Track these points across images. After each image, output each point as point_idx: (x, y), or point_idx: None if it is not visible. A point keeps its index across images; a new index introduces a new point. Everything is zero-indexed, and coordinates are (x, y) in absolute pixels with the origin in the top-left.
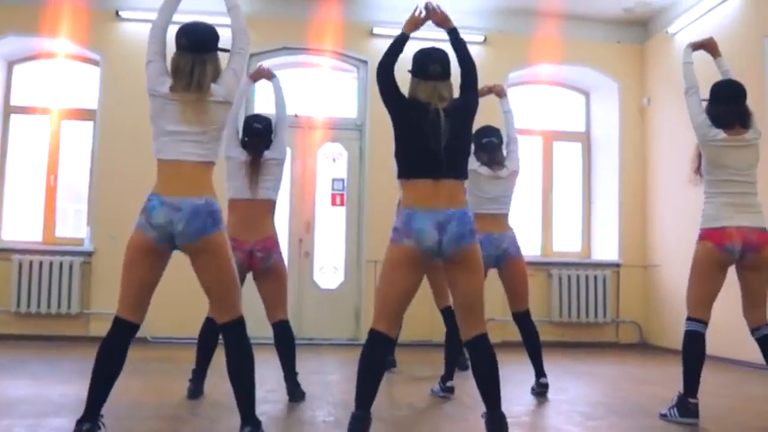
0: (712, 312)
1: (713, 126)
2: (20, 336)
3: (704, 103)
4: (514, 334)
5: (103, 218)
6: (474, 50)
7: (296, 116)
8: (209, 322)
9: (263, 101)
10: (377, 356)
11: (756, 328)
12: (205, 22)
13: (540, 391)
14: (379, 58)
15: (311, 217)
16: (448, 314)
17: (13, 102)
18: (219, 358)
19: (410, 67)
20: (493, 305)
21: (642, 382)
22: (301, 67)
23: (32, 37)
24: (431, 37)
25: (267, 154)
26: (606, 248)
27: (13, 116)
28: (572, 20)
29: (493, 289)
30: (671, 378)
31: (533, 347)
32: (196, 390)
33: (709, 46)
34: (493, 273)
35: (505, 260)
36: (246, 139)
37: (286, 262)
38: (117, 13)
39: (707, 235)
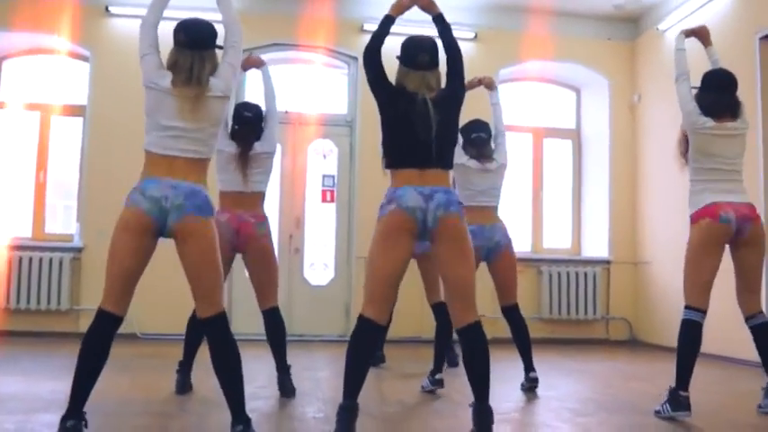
0: None
1: (702, 114)
2: (9, 332)
3: (694, 91)
4: (505, 330)
5: (93, 214)
6: (464, 47)
7: (286, 112)
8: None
9: (252, 93)
10: (365, 344)
11: (751, 315)
12: (203, 19)
13: (531, 385)
14: (370, 38)
15: (301, 213)
16: (438, 310)
17: (2, 97)
18: (206, 352)
19: (397, 54)
20: (483, 301)
21: (632, 379)
22: (292, 63)
23: (22, 33)
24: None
25: (258, 147)
26: (596, 245)
27: (1, 112)
28: (563, 16)
29: (483, 285)
30: (660, 375)
31: (522, 342)
32: (184, 383)
33: (700, 33)
34: (482, 268)
35: (497, 253)
36: (237, 127)
37: (276, 257)
38: (107, 8)
39: (701, 213)
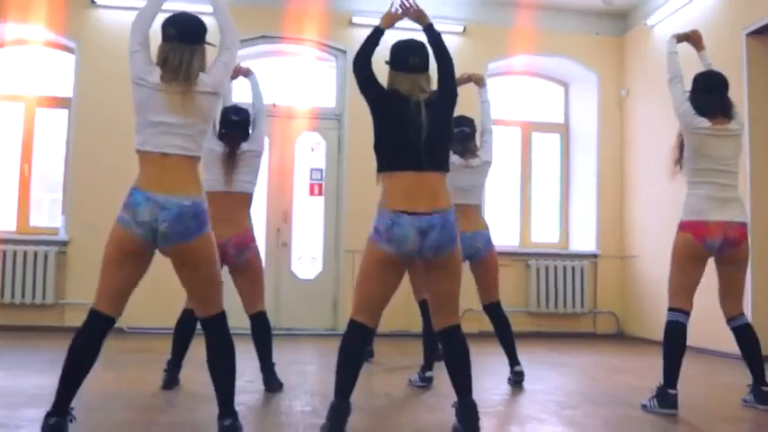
0: None
1: (698, 114)
2: None
3: (686, 94)
4: (490, 324)
5: (79, 207)
6: (453, 41)
7: (274, 105)
8: (186, 313)
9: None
10: (357, 347)
11: (732, 318)
12: (192, 14)
13: (517, 379)
14: (359, 47)
15: (289, 207)
16: (425, 307)
17: None
18: (195, 347)
19: (387, 59)
20: (470, 296)
21: (617, 372)
22: (280, 56)
23: (6, 23)
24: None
25: (245, 146)
26: (584, 239)
27: None
28: (551, 11)
29: (469, 281)
30: (646, 368)
31: (506, 337)
32: (171, 380)
33: (693, 38)
34: (465, 264)
35: (477, 258)
36: (224, 130)
37: (263, 252)
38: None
39: (688, 226)
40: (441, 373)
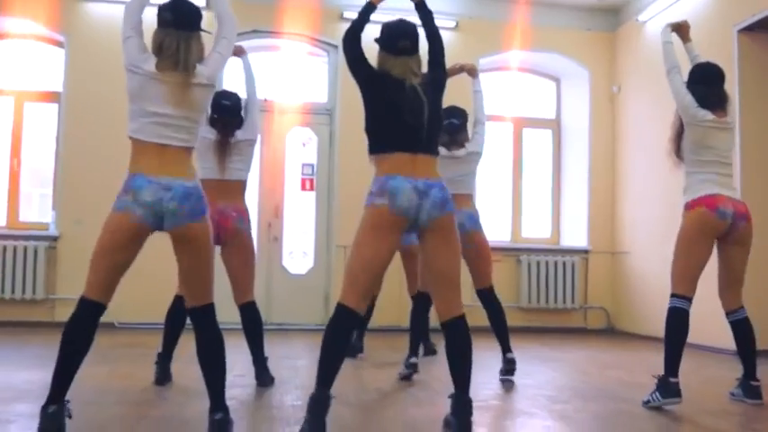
0: None
1: (700, 107)
2: None
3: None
4: (482, 319)
5: (69, 202)
6: (445, 36)
7: (265, 100)
8: (178, 300)
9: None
10: (343, 332)
11: (732, 311)
12: (189, 0)
13: (508, 368)
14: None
15: (280, 202)
16: (418, 299)
17: None
18: (185, 342)
19: (376, 37)
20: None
21: (608, 367)
22: (271, 50)
23: None
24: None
25: (239, 134)
26: (575, 235)
27: None
28: (543, 6)
29: (464, 276)
30: (636, 363)
31: (499, 324)
32: (164, 375)
33: (682, 29)
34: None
35: (463, 234)
36: (215, 116)
37: (255, 247)
38: None
39: (698, 202)
40: (430, 367)
